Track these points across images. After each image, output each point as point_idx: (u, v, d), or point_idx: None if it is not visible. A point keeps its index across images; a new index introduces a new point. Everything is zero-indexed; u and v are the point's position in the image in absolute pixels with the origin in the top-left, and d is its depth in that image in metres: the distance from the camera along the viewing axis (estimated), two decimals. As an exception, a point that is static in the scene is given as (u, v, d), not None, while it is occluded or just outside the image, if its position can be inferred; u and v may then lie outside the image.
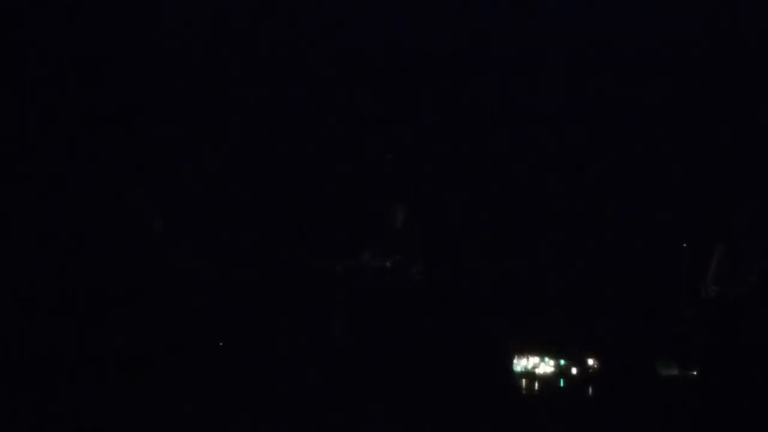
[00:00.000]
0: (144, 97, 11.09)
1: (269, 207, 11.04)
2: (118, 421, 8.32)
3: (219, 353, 10.08)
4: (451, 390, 9.24)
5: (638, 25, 11.12)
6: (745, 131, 10.92)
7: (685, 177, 10.94)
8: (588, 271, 10.79)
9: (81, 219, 10.33)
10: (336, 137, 11.32)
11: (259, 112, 11.30)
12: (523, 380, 10.04)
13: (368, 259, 10.23)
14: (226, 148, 11.22)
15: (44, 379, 9.08)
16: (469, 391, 9.26)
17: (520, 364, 10.12)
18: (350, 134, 11.34)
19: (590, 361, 10.12)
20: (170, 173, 10.93)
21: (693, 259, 9.88)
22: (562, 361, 10.11)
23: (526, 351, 10.14)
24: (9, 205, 10.51)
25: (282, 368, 9.66)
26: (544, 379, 10.05)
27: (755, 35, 10.94)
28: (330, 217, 10.93)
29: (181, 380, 9.23)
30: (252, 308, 10.44)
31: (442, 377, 9.48)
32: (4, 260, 10.18)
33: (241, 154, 11.24)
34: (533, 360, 10.11)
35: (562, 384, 10.03)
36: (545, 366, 10.11)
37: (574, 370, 10.11)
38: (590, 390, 9.88)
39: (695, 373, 9.42)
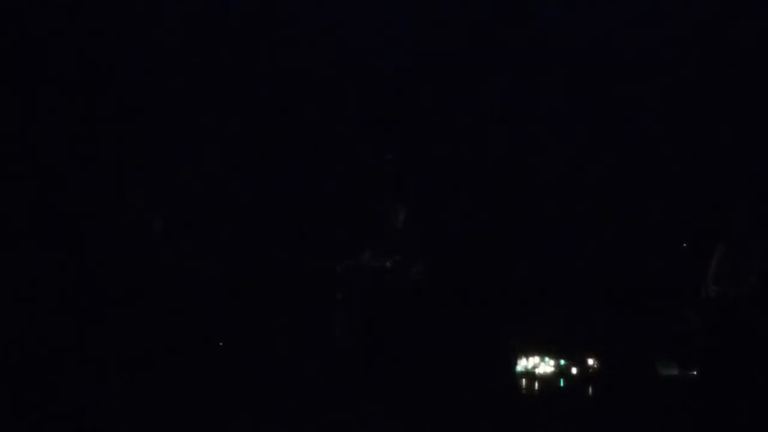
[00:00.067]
0: (144, 96, 11.10)
1: (269, 207, 11.04)
2: (118, 421, 8.32)
3: (219, 353, 10.08)
4: (451, 390, 9.24)
5: (638, 25, 11.13)
6: (745, 131, 10.92)
7: (685, 177, 10.94)
8: (588, 271, 10.79)
9: (81, 219, 10.33)
10: (336, 137, 11.33)
11: (259, 112, 11.30)
12: (523, 380, 10.04)
13: (368, 259, 10.23)
14: (226, 148, 11.22)
15: (44, 379, 9.08)
16: (469, 391, 9.26)
17: (521, 364, 10.13)
18: (350, 134, 11.34)
19: (590, 361, 10.12)
20: (170, 173, 10.93)
21: (693, 259, 9.88)
22: (562, 361, 10.12)
23: (526, 351, 10.14)
24: (9, 205, 10.51)
25: (282, 368, 9.66)
26: (544, 379, 10.05)
27: (755, 35, 10.93)
28: (330, 217, 10.93)
29: (181, 380, 9.23)
30: (252, 308, 10.45)
31: (443, 377, 9.48)
32: (4, 260, 10.18)
33: (241, 154, 11.25)
34: (533, 360, 10.12)
35: (562, 384, 10.04)
36: (545, 366, 10.11)
37: (574, 370, 10.12)
38: (590, 390, 9.89)
39: (695, 373, 9.42)
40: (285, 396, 9.01)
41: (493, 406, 9.07)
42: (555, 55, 11.19)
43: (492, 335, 10.28)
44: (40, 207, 10.60)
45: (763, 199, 9.91)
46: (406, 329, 10.00)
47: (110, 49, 11.09)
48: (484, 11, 11.24)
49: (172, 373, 9.33)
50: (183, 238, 10.12)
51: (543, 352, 10.14)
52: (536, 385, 10.03)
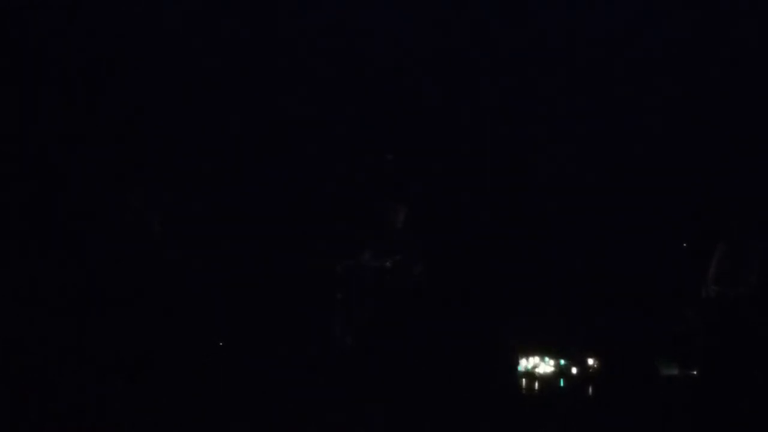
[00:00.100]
0: (144, 96, 11.09)
1: (269, 207, 11.04)
2: (118, 421, 8.32)
3: (219, 353, 10.08)
4: (451, 390, 9.24)
5: (638, 25, 11.13)
6: (745, 131, 10.91)
7: (685, 177, 10.93)
8: (588, 271, 10.79)
9: (81, 219, 10.33)
10: (336, 137, 11.32)
11: (260, 112, 11.29)
12: (523, 380, 10.04)
13: (368, 259, 10.23)
14: (226, 148, 11.22)
15: (44, 379, 9.07)
16: (469, 391, 9.26)
17: (521, 364, 10.12)
18: (350, 134, 11.34)
19: (590, 361, 10.12)
20: (170, 173, 10.93)
21: (693, 259, 9.87)
22: (562, 361, 10.12)
23: (526, 351, 10.14)
24: (9, 205, 10.51)
25: (282, 368, 9.66)
26: (544, 379, 10.05)
27: (755, 35, 10.93)
28: (330, 217, 10.93)
29: (181, 380, 9.23)
30: (252, 308, 10.45)
31: (442, 377, 9.48)
32: (4, 260, 10.18)
33: (241, 154, 11.24)
34: (533, 360, 10.11)
35: (562, 384, 10.03)
36: (545, 366, 10.11)
37: (574, 370, 10.12)
38: (590, 390, 9.89)
39: (695, 373, 9.42)
40: (285, 396, 9.00)
41: (493, 406, 9.06)
42: (555, 55, 11.19)
43: (492, 335, 10.28)
44: (41, 207, 10.60)
45: (763, 199, 9.92)
46: (406, 329, 10.00)
47: (110, 49, 11.09)
48: (484, 11, 11.24)
49: (172, 373, 9.33)
50: (183, 238, 10.11)
51: (543, 352, 10.14)
52: (536, 385, 10.03)
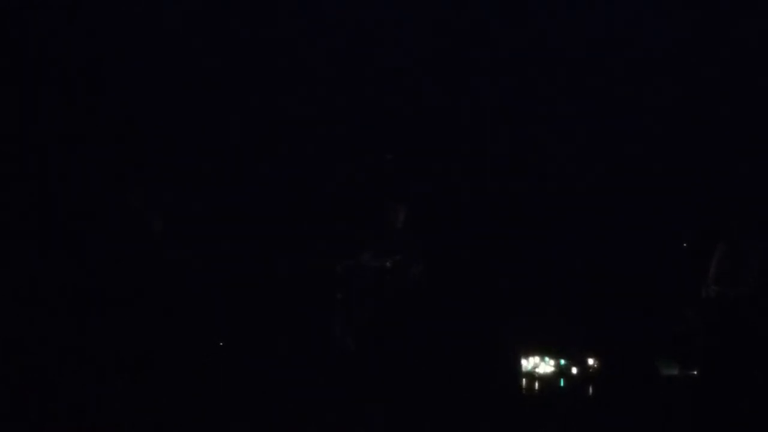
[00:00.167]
0: (144, 96, 11.09)
1: (269, 207, 11.04)
2: (118, 421, 8.32)
3: (219, 353, 10.08)
4: (451, 390, 9.24)
5: (638, 25, 11.13)
6: (745, 131, 10.91)
7: (685, 177, 10.94)
8: (588, 271, 10.79)
9: (81, 219, 10.33)
10: (336, 137, 11.32)
11: (259, 112, 11.29)
12: (523, 380, 10.04)
13: (368, 259, 10.23)
14: (226, 148, 11.22)
15: (44, 379, 9.08)
16: (469, 391, 9.26)
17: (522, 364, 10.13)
18: (350, 134, 11.34)
19: (590, 361, 10.12)
20: (170, 173, 10.93)
21: (693, 259, 9.87)
22: (562, 361, 10.12)
23: (526, 351, 10.14)
24: (9, 205, 10.51)
25: (282, 368, 9.66)
26: (544, 379, 10.05)
27: (755, 35, 10.93)
28: (330, 217, 10.93)
29: (181, 380, 9.23)
30: (252, 308, 10.45)
31: (442, 377, 9.48)
32: (4, 260, 10.18)
33: (241, 153, 11.24)
34: (533, 360, 10.11)
35: (562, 384, 10.03)
36: (545, 366, 10.11)
37: (574, 370, 10.11)
38: (590, 390, 9.89)
39: (695, 373, 9.42)
40: (285, 396, 9.00)
41: (493, 407, 9.06)
42: (555, 55, 11.19)
43: (492, 335, 10.28)
44: (41, 207, 10.60)
45: (763, 199, 9.92)
46: (406, 329, 10.00)
47: (110, 50, 11.09)
48: (484, 11, 11.24)
49: (173, 373, 9.33)
50: (183, 238, 10.11)
51: (543, 352, 10.14)
52: (536, 385, 10.03)
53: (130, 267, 9.66)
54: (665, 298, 10.22)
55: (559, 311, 10.52)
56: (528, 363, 10.09)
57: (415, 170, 11.22)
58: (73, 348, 9.46)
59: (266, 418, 8.51)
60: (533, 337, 10.26)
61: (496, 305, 10.55)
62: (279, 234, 10.91)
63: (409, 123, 11.33)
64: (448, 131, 11.32)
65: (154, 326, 9.56)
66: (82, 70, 11.05)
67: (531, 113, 11.24)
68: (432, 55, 11.28)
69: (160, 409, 8.55)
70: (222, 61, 11.22)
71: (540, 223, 11.04)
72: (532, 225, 11.06)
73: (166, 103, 11.12)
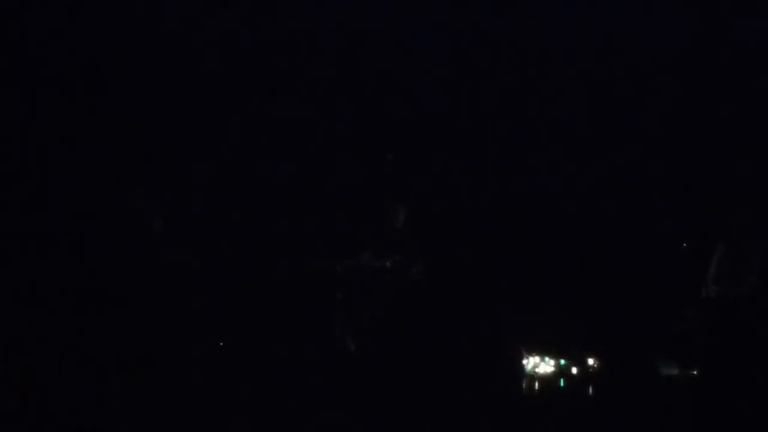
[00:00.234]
0: (144, 97, 11.09)
1: (269, 207, 11.04)
2: (118, 421, 8.32)
3: (219, 353, 10.08)
4: (451, 390, 9.24)
5: (638, 25, 11.13)
6: (746, 131, 10.91)
7: (685, 177, 10.93)
8: (588, 271, 10.79)
9: (81, 219, 10.33)
10: (336, 137, 11.32)
11: (259, 112, 11.29)
12: (523, 380, 10.04)
13: (368, 259, 10.23)
14: (226, 147, 11.22)
15: (44, 379, 9.07)
16: (469, 391, 9.26)
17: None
18: (350, 134, 11.34)
19: (590, 361, 10.12)
20: (170, 173, 10.93)
21: (693, 259, 9.87)
22: (562, 361, 10.11)
23: (526, 351, 10.13)
24: (9, 205, 10.51)
25: (282, 368, 9.66)
26: (544, 379, 10.05)
27: (755, 35, 10.93)
28: (330, 217, 10.93)
29: (181, 380, 9.23)
30: (252, 308, 10.45)
31: (442, 377, 9.48)
32: (4, 260, 10.18)
33: (241, 154, 11.24)
34: (533, 360, 10.11)
35: (562, 384, 10.03)
36: (545, 366, 10.11)
37: (574, 370, 10.11)
38: (590, 390, 9.88)
39: (695, 373, 9.42)
40: (285, 396, 9.00)
41: (494, 407, 9.06)
42: (555, 55, 11.19)
43: (492, 335, 10.28)
44: (40, 207, 10.60)
45: (763, 199, 9.91)
46: (406, 329, 10.00)
47: (110, 49, 11.09)
48: (484, 11, 11.24)
49: (173, 373, 9.32)
50: (183, 238, 10.11)
51: (543, 352, 10.13)
52: (536, 385, 10.03)
53: (130, 267, 9.65)
54: (665, 298, 10.21)
55: (559, 311, 10.52)
56: (528, 363, 10.09)
57: (415, 170, 11.22)
58: (73, 348, 9.45)
59: (266, 418, 8.51)
60: (533, 337, 10.26)
61: (496, 305, 10.55)
62: (279, 234, 10.91)
63: (409, 123, 11.33)
64: (448, 131, 11.32)
65: (154, 326, 9.56)
66: (82, 70, 11.05)
67: (531, 113, 11.24)
68: (432, 55, 11.28)
69: (160, 409, 8.54)
70: (222, 61, 11.22)
71: (540, 223, 11.04)
72: (532, 225, 11.05)
73: (166, 103, 11.12)
